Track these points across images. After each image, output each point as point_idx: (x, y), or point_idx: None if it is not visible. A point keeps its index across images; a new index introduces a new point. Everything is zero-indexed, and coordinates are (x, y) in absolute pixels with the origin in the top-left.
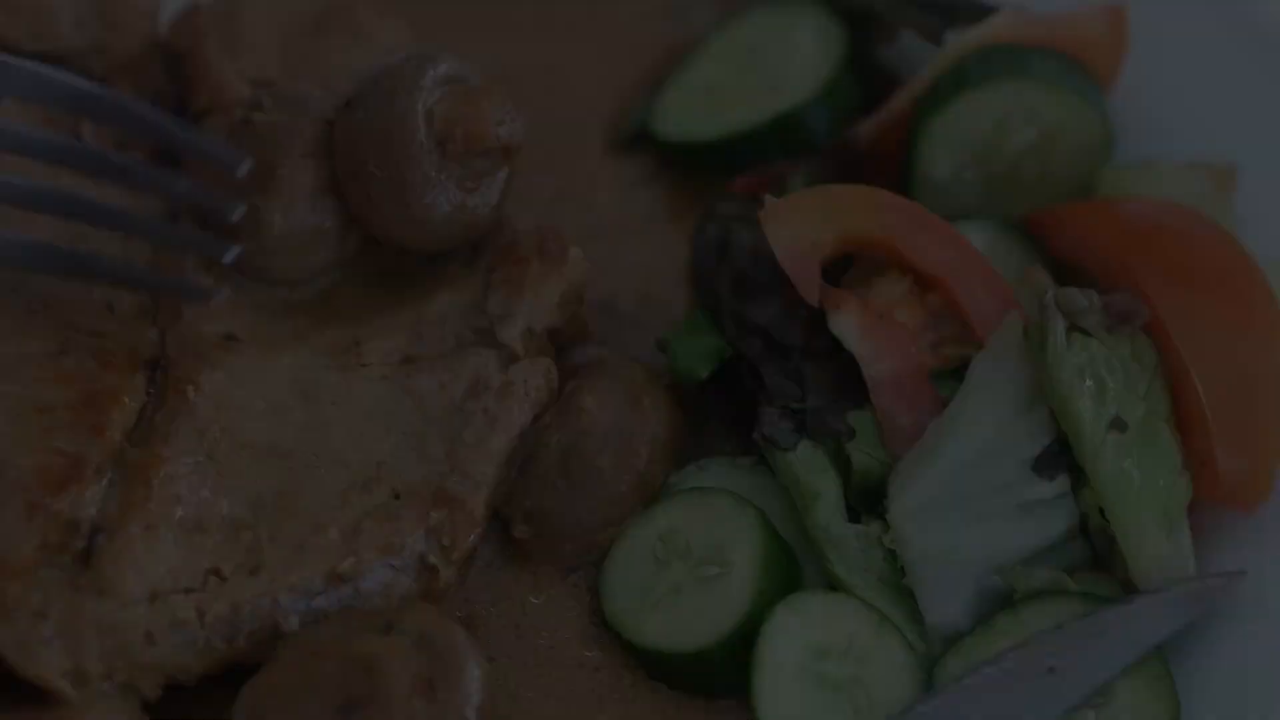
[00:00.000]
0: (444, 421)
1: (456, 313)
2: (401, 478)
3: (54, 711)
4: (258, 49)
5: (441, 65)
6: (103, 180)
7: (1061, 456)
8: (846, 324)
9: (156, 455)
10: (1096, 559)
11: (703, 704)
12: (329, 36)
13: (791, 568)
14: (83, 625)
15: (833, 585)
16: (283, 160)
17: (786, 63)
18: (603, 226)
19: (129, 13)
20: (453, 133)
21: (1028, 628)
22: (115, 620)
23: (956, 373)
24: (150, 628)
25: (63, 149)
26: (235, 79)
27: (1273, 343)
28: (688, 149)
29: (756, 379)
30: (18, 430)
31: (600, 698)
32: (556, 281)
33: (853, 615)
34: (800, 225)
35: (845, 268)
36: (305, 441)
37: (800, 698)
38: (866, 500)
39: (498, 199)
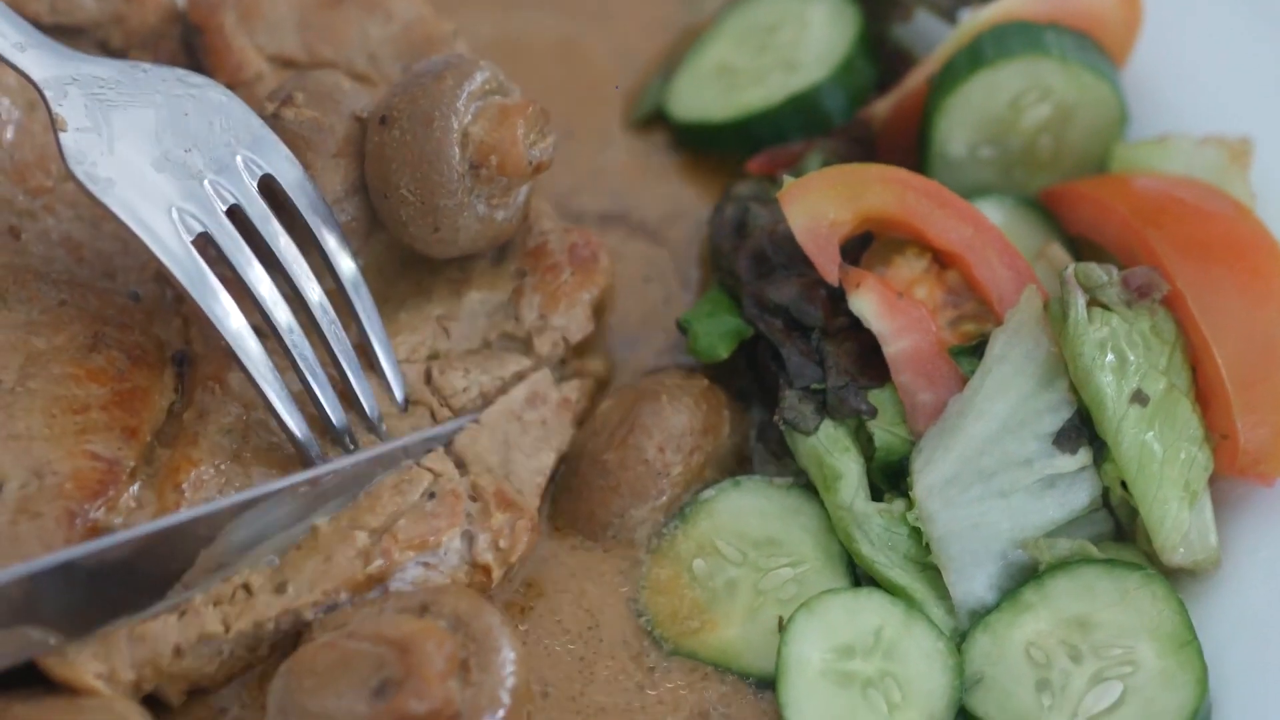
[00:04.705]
0: (499, 426)
1: (485, 311)
2: (432, 477)
3: (68, 701)
4: (275, 23)
5: (477, 77)
6: None
7: (1082, 430)
8: (866, 302)
9: (186, 457)
10: (1119, 531)
11: (729, 685)
12: (346, 9)
13: None
14: (115, 634)
15: (858, 581)
16: (314, 160)
17: (801, 42)
18: (618, 209)
19: None
20: (487, 159)
21: (1054, 599)
22: (145, 631)
23: (976, 349)
24: (179, 641)
25: None
26: (254, 54)
27: None
28: (703, 130)
29: (777, 359)
30: (53, 431)
31: (626, 683)
32: (589, 291)
33: (877, 609)
34: (818, 204)
35: (864, 246)
36: None
37: (827, 701)
38: (889, 479)
39: (523, 206)
